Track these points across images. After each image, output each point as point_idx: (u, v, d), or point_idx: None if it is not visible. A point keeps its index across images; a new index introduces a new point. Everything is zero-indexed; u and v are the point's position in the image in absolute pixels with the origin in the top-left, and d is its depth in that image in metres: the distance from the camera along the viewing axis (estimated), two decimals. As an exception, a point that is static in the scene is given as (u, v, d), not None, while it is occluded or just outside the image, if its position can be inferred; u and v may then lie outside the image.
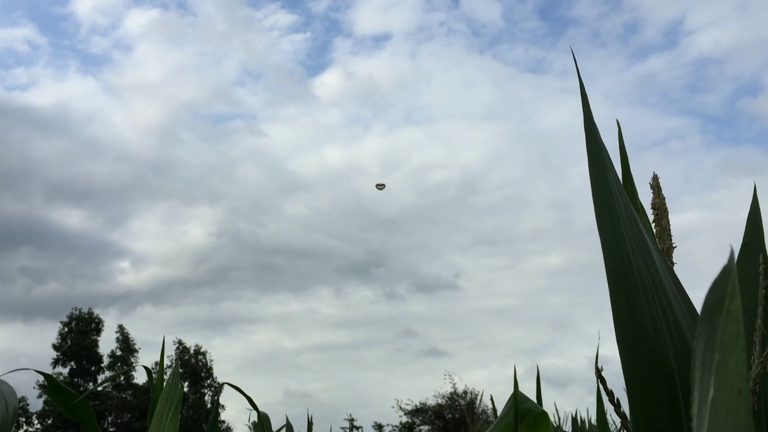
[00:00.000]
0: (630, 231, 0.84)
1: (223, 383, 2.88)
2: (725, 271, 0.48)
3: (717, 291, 0.47)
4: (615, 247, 0.84)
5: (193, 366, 35.37)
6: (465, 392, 28.10)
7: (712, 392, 0.42)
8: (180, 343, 35.32)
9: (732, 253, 0.49)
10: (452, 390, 28.66)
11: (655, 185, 1.03)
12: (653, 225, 1.04)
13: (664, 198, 1.03)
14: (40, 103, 44.88)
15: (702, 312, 0.48)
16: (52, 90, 45.30)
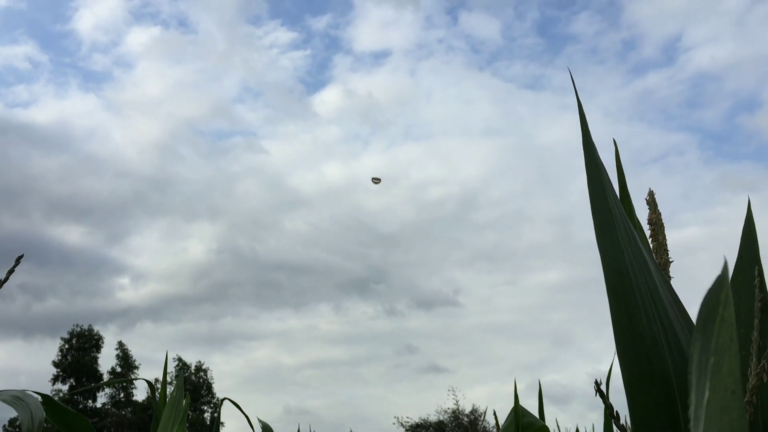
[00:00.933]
0: (629, 247, 0.87)
1: (223, 399, 2.90)
2: (719, 281, 0.51)
3: (711, 299, 0.50)
4: (614, 263, 0.87)
5: (193, 383, 35.23)
6: (472, 411, 27.95)
7: (707, 394, 0.46)
8: (180, 360, 35.21)
9: (726, 264, 0.52)
10: (455, 407, 28.55)
11: (651, 201, 1.06)
12: (650, 240, 1.07)
13: (660, 214, 1.06)
14: (41, 120, 45.06)
15: (698, 319, 0.51)
16: (52, 107, 45.53)
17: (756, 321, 1.17)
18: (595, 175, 0.87)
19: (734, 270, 1.26)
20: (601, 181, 0.87)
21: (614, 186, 1.07)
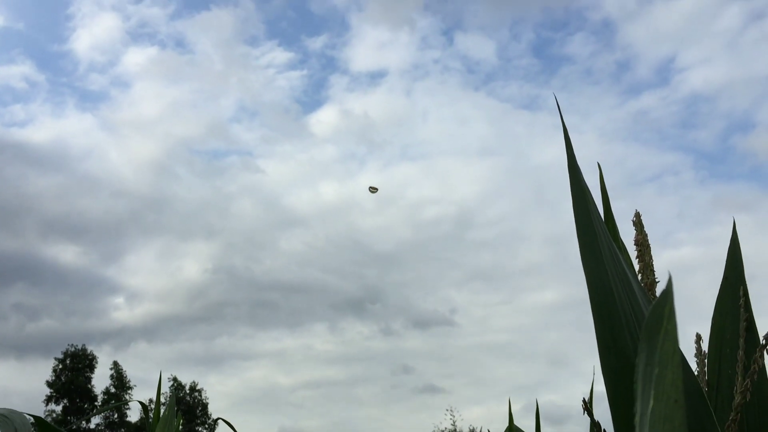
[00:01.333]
0: (613, 268, 0.89)
1: (218, 419, 2.91)
2: (664, 295, 0.54)
3: (657, 312, 0.53)
4: (599, 283, 0.89)
5: (188, 403, 34.99)
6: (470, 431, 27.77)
7: (651, 403, 0.48)
8: (175, 380, 34.99)
9: (670, 278, 0.55)
10: (452, 427, 28.37)
11: (638, 222, 1.08)
12: (636, 261, 1.10)
13: (646, 235, 1.08)
14: (38, 140, 45.15)
15: (643, 332, 0.54)
16: (49, 126, 45.65)
17: (741, 341, 1.19)
18: (580, 197, 0.89)
19: (720, 290, 1.29)
20: (586, 204, 0.89)
21: (600, 207, 1.10)
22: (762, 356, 1.07)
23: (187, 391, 35.39)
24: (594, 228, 0.88)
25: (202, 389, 35.99)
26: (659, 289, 1.16)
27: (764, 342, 1.04)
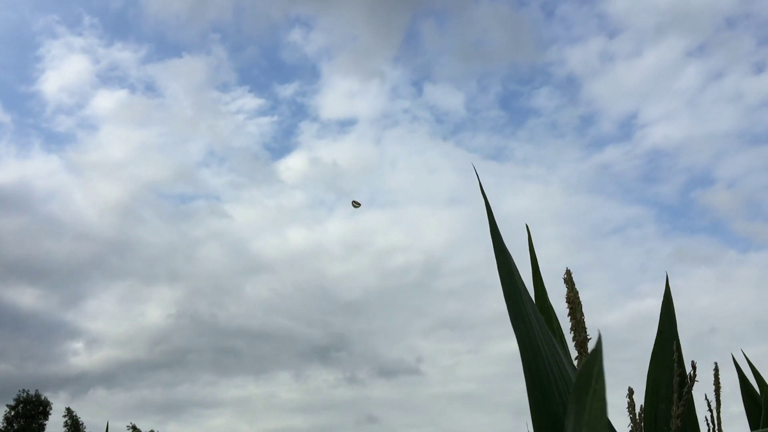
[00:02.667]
0: (538, 328, 0.92)
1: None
2: (593, 354, 0.56)
3: (586, 372, 0.55)
4: (528, 343, 0.92)
5: (146, 452, 33.96)
6: None
7: None
8: (134, 428, 33.98)
9: (600, 338, 0.57)
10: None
11: (569, 280, 1.11)
12: (569, 318, 1.12)
13: (577, 292, 1.11)
14: (1, 180, 44.35)
15: (572, 391, 0.56)
16: (14, 167, 44.92)
17: (675, 395, 1.22)
18: (504, 263, 0.92)
19: (654, 346, 1.32)
20: (510, 268, 0.92)
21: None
22: (689, 409, 1.10)
23: (146, 440, 34.33)
24: (519, 291, 0.91)
25: (162, 437, 35.00)
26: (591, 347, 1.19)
27: (684, 395, 1.07)
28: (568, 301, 1.13)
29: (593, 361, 0.55)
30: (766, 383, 1.62)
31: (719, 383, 1.38)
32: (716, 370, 1.39)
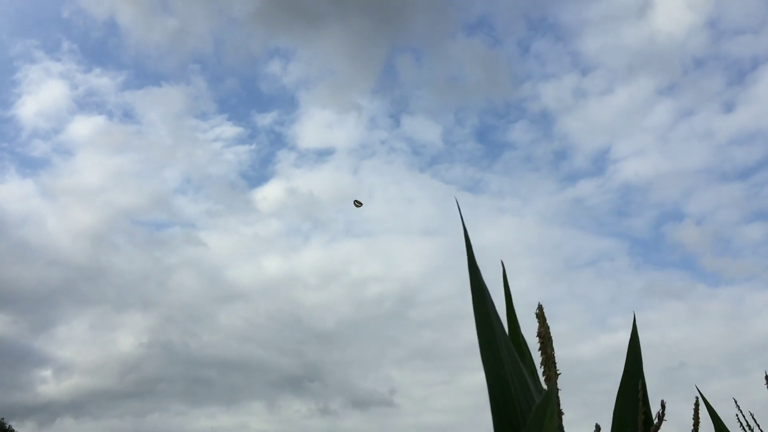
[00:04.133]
0: (510, 365, 0.93)
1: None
2: (546, 396, 0.57)
3: (539, 413, 0.56)
4: (497, 379, 0.93)
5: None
6: None
7: None
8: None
9: (555, 382, 0.58)
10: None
11: (540, 315, 1.13)
12: (540, 353, 1.14)
13: (548, 327, 1.13)
14: (-28, 206, 43.71)
15: (525, 429, 0.57)
16: (-16, 192, 44.32)
17: (638, 433, 1.24)
18: (479, 297, 0.93)
19: (621, 384, 1.34)
20: (485, 303, 0.93)
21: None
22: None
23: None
24: (492, 326, 0.92)
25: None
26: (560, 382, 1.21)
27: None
28: (539, 336, 1.14)
29: (546, 402, 0.56)
30: (721, 421, 1.65)
31: (698, 419, 1.40)
32: (696, 405, 1.41)
